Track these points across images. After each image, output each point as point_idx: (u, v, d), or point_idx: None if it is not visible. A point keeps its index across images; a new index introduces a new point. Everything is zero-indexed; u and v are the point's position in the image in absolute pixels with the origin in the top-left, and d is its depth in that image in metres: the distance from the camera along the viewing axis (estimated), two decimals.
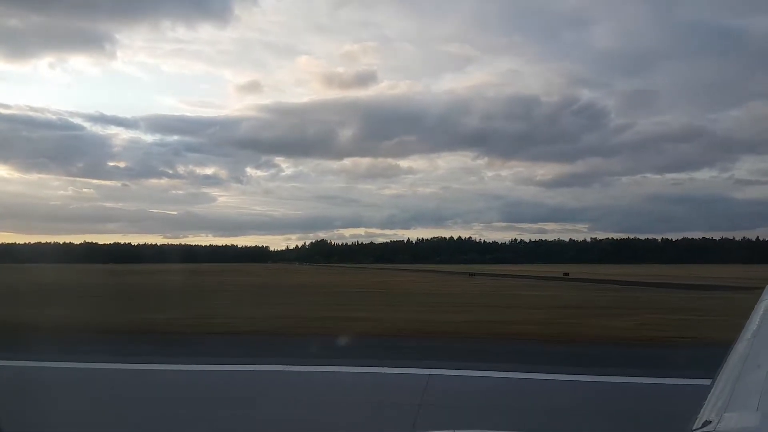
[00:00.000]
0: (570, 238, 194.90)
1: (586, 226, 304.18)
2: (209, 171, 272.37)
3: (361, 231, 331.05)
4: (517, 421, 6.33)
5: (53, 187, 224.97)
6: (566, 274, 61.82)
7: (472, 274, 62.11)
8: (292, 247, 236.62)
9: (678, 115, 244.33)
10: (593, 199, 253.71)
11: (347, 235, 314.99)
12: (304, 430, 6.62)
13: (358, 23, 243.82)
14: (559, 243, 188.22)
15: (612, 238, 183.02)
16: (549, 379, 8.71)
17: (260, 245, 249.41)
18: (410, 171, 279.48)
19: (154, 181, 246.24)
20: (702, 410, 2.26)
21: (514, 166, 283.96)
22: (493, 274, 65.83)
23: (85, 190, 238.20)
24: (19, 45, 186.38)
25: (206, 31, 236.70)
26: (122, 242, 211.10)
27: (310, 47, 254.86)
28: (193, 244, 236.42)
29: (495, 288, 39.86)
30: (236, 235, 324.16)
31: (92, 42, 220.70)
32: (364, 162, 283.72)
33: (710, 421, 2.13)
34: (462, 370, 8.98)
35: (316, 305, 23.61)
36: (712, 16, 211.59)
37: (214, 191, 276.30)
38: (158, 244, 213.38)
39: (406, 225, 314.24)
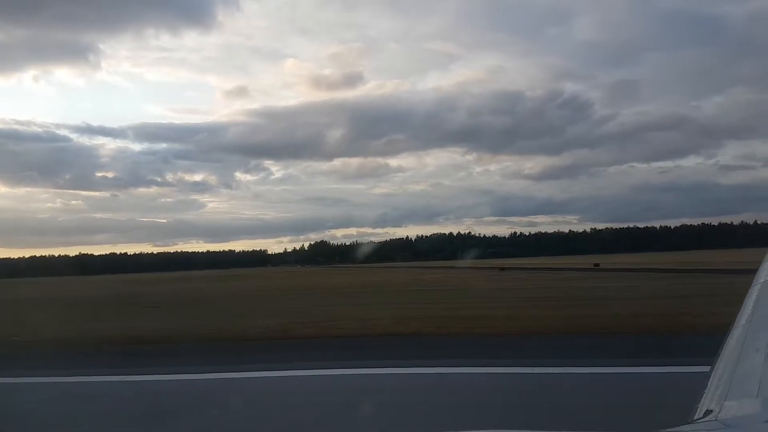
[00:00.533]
0: (570, 230, 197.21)
1: (576, 217, 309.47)
2: (198, 177, 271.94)
3: (353, 231, 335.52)
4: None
5: (41, 200, 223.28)
6: (596, 264, 62.17)
7: (502, 269, 62.14)
8: (289, 249, 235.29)
9: (661, 104, 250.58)
10: (582, 191, 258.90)
11: (339, 236, 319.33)
12: None
13: (342, 24, 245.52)
14: (558, 235, 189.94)
15: (613, 227, 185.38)
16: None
17: (257, 249, 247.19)
18: (400, 169, 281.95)
19: (143, 189, 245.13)
20: (702, 399, 2.24)
21: (502, 161, 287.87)
22: (523, 267, 65.95)
23: (73, 201, 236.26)
24: (3, 58, 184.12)
25: (190, 38, 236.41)
26: (118, 252, 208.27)
27: (294, 50, 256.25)
28: (190, 251, 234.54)
29: (552, 281, 39.91)
30: (227, 241, 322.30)
31: (76, 53, 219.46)
32: (354, 162, 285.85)
33: (711, 410, 2.12)
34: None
35: (414, 304, 23.35)
36: (692, 4, 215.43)
37: (203, 197, 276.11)
38: (154, 252, 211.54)
39: (397, 223, 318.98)
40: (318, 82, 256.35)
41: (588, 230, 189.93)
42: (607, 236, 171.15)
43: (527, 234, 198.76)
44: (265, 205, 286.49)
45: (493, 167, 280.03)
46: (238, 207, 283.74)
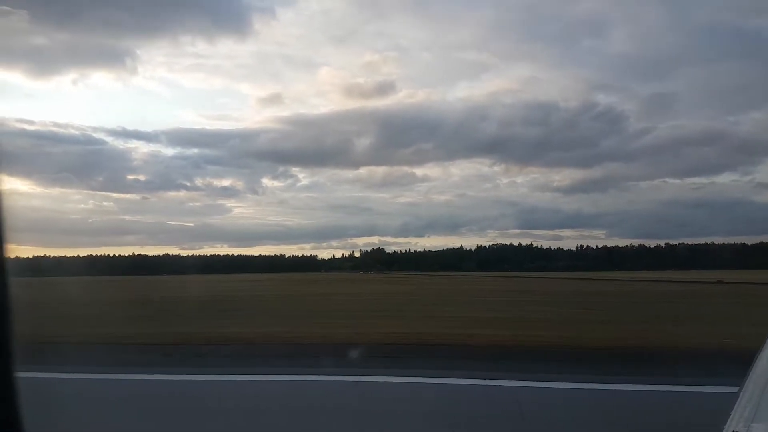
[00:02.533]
0: (640, 244, 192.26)
1: (603, 232, 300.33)
2: (226, 183, 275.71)
3: (375, 239, 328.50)
4: None
5: (74, 201, 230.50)
6: (720, 281, 60.64)
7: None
8: (338, 255, 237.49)
9: (698, 119, 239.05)
10: (610, 205, 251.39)
11: (360, 244, 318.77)
12: None
13: (374, 34, 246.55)
14: (632, 249, 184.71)
15: (679, 243, 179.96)
16: None
17: (306, 255, 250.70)
18: (426, 179, 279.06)
19: (172, 193, 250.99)
20: (729, 420, 2.23)
21: (531, 173, 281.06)
22: (655, 280, 64.01)
23: (105, 203, 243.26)
24: (44, 62, 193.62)
25: (225, 46, 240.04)
26: (150, 254, 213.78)
27: (327, 59, 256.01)
28: (233, 254, 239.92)
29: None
30: (251, 246, 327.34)
31: (114, 58, 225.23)
32: (380, 171, 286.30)
33: (738, 431, 2.11)
34: None
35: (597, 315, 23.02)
36: (731, 17, 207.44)
37: (230, 202, 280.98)
38: (191, 255, 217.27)
39: (420, 233, 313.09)
40: (350, 91, 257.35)
41: (663, 245, 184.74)
42: (667, 252, 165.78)
43: (594, 247, 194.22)
44: (289, 211, 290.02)
45: (520, 179, 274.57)
46: (263, 213, 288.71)
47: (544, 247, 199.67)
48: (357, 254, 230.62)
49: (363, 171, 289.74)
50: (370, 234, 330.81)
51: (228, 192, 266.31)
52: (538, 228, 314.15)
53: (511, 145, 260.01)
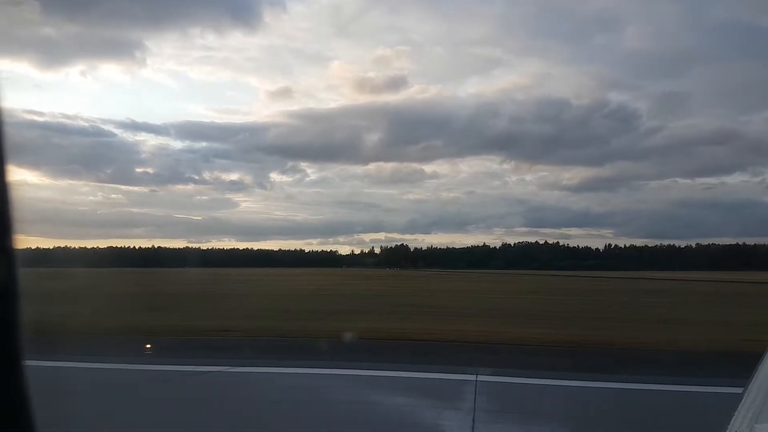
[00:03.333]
0: (673, 244, 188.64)
1: (611, 231, 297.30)
2: (234, 177, 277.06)
3: (381, 236, 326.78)
4: None
5: (83, 193, 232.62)
6: None
7: None
8: (357, 251, 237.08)
9: (710, 118, 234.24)
10: (619, 204, 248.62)
11: (367, 240, 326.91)
12: None
13: (385, 28, 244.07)
14: (662, 248, 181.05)
15: (710, 244, 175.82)
16: None
17: (326, 250, 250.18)
18: (434, 176, 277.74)
19: (180, 186, 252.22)
20: (732, 420, 2.32)
21: (540, 171, 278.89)
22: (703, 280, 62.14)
23: (113, 195, 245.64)
24: (53, 53, 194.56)
25: (235, 39, 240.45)
26: (168, 246, 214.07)
27: (336, 53, 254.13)
28: (257, 248, 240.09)
29: None
30: (257, 240, 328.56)
31: (123, 50, 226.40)
32: (389, 167, 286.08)
33: None
34: None
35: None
36: (746, 15, 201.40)
37: (237, 197, 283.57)
38: (205, 248, 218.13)
39: (426, 230, 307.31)
40: (361, 85, 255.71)
41: (694, 245, 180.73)
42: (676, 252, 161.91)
43: (622, 246, 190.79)
44: (296, 206, 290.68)
45: (529, 177, 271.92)
46: (270, 207, 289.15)
47: (571, 245, 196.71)
48: (377, 250, 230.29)
49: (372, 167, 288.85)
50: (377, 230, 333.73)
51: (236, 186, 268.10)
52: (546, 226, 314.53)
53: (521, 142, 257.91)
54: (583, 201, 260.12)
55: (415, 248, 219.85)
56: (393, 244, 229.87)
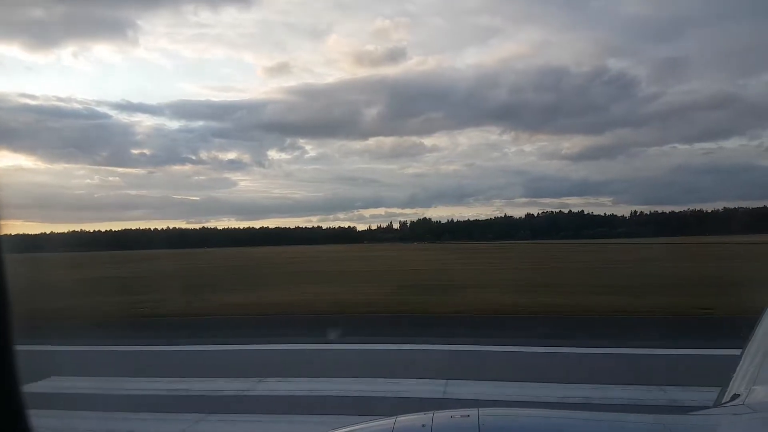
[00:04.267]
0: (688, 209, 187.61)
1: (610, 199, 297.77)
2: (232, 156, 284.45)
3: (381, 211, 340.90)
4: None
5: (79, 176, 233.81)
6: None
7: None
8: (378, 226, 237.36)
9: (708, 82, 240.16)
10: (619, 172, 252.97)
11: (367, 216, 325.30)
12: None
13: (380, 0, 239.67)
14: (681, 214, 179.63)
15: (737, 207, 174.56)
16: None
17: (344, 226, 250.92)
18: (434, 149, 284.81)
19: (177, 167, 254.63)
20: (731, 383, 2.36)
21: (540, 140, 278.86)
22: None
23: (110, 178, 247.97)
24: (43, 35, 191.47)
25: (228, 15, 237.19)
26: (181, 227, 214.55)
27: (332, 27, 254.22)
28: (273, 226, 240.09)
29: None
30: (257, 219, 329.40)
31: (114, 29, 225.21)
32: (389, 141, 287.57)
33: (739, 395, 2.21)
34: None
35: None
36: None
37: (235, 176, 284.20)
38: (226, 228, 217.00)
39: (427, 204, 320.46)
40: (360, 58, 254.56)
41: (708, 210, 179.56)
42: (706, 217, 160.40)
43: (648, 213, 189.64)
44: (295, 183, 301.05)
45: (529, 147, 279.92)
46: (269, 186, 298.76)
47: (594, 213, 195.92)
48: (395, 225, 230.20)
49: (371, 141, 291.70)
50: (377, 206, 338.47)
51: (234, 165, 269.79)
52: (545, 196, 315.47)
53: (521, 112, 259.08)
54: (583, 170, 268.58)
55: (438, 221, 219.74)
56: (415, 218, 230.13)
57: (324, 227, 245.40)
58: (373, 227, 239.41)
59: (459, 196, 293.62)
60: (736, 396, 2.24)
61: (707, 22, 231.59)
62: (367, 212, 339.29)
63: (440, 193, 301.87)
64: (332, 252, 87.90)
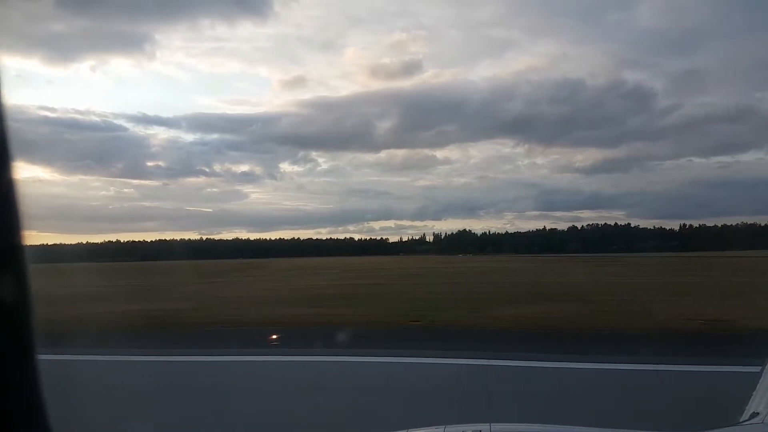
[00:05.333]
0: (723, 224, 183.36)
1: (623, 213, 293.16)
2: (245, 168, 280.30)
3: (391, 223, 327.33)
4: None
5: (94, 188, 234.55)
6: None
7: None
8: (405, 238, 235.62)
9: (725, 95, 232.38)
10: (631, 186, 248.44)
11: (377, 228, 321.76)
12: None
13: (396, 13, 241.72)
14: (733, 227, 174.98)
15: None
16: None
17: (375, 237, 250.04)
18: (446, 161, 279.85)
19: (191, 179, 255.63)
20: (750, 401, 2.29)
21: (553, 153, 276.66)
22: None
23: (125, 190, 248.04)
24: (62, 49, 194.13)
25: (245, 29, 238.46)
26: (193, 239, 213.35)
27: (347, 40, 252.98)
28: (306, 237, 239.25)
29: None
30: (267, 231, 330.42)
31: (132, 43, 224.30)
32: (400, 154, 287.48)
33: (758, 413, 2.15)
34: None
35: None
36: None
37: (247, 188, 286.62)
38: (237, 238, 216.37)
39: (437, 216, 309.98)
40: (376, 72, 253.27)
41: (718, 224, 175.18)
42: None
43: (698, 226, 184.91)
44: (305, 196, 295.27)
45: (541, 160, 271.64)
46: (280, 198, 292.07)
47: (642, 227, 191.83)
48: (428, 238, 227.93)
49: (383, 154, 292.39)
50: (387, 218, 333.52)
51: (247, 177, 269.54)
52: (557, 210, 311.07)
53: (536, 124, 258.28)
54: (595, 183, 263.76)
55: (482, 233, 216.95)
56: (454, 230, 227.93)
57: (356, 239, 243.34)
58: (404, 239, 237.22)
59: (469, 209, 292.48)
60: (755, 414, 2.17)
61: (725, 34, 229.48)
62: (377, 224, 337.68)
63: (450, 206, 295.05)
64: (400, 263, 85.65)
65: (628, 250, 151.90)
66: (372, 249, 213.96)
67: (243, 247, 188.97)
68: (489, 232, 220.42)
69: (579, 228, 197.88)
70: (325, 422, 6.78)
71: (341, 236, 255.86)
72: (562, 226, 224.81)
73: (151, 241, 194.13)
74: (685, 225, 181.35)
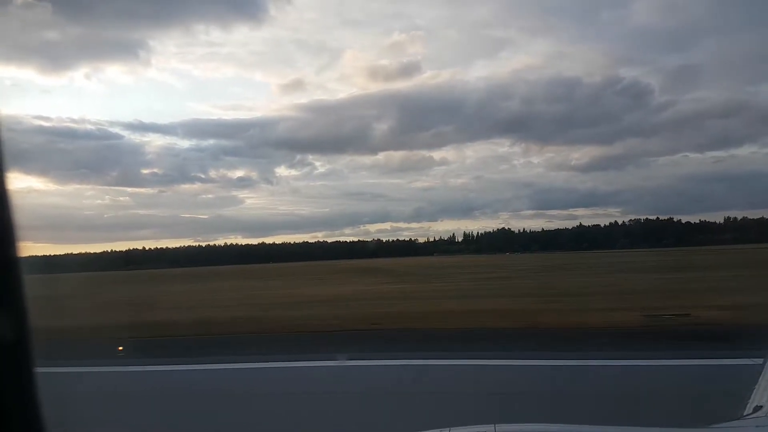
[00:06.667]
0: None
1: (618, 210, 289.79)
2: (240, 173, 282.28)
3: (387, 226, 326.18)
4: None
5: (89, 197, 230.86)
6: None
7: None
8: (437, 238, 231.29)
9: (719, 90, 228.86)
10: (627, 182, 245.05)
11: (373, 231, 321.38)
12: None
13: (391, 15, 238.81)
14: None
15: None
16: None
17: (402, 239, 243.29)
18: (443, 162, 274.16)
19: (187, 186, 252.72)
20: (753, 394, 2.34)
21: (549, 152, 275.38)
22: None
23: (120, 198, 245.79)
24: (57, 57, 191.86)
25: (240, 33, 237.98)
26: (188, 245, 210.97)
27: (343, 43, 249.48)
28: (334, 240, 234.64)
29: None
30: (263, 236, 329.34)
31: (127, 50, 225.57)
32: (397, 156, 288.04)
33: (761, 406, 2.19)
34: None
35: None
36: None
37: (243, 193, 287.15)
38: (236, 243, 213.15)
39: (433, 218, 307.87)
40: (374, 74, 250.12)
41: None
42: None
43: (739, 219, 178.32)
44: (301, 200, 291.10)
45: (537, 159, 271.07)
46: (275, 203, 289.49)
47: (692, 222, 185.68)
48: (458, 238, 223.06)
49: (381, 156, 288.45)
50: (383, 220, 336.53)
51: (242, 183, 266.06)
52: (552, 208, 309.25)
53: (533, 123, 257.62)
54: (590, 181, 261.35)
55: (521, 230, 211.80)
56: (492, 229, 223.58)
57: (383, 240, 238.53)
58: (432, 239, 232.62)
59: (465, 210, 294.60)
60: (758, 408, 2.16)
61: (718, 30, 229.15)
62: (374, 227, 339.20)
63: (447, 207, 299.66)
64: (478, 262, 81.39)
65: (684, 243, 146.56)
66: (398, 251, 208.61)
67: (241, 252, 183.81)
68: (524, 230, 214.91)
69: (619, 224, 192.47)
70: None
71: (366, 238, 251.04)
72: (586, 222, 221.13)
73: (148, 249, 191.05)
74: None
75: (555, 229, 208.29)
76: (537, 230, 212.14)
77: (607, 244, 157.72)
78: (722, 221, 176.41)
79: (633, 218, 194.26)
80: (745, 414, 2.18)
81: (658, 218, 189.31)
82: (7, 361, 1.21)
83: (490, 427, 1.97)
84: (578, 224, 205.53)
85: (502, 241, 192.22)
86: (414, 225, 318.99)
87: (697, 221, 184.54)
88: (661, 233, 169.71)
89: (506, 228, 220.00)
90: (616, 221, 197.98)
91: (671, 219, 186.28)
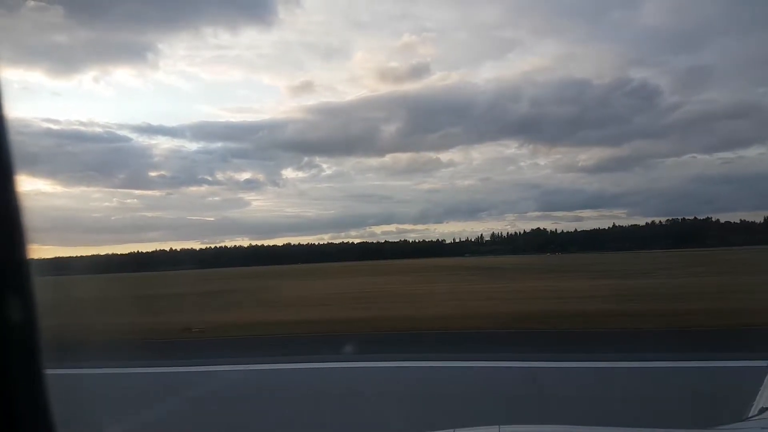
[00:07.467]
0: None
1: (624, 212, 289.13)
2: (247, 175, 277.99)
3: (392, 228, 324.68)
4: None
5: (97, 200, 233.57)
6: None
7: None
8: (465, 239, 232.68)
9: (728, 91, 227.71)
10: (634, 184, 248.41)
11: (379, 233, 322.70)
12: None
13: (400, 17, 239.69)
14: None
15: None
16: None
17: (431, 239, 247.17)
18: (451, 164, 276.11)
19: (194, 188, 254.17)
20: (758, 396, 2.31)
21: (558, 153, 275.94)
22: None
23: (128, 200, 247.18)
24: (66, 60, 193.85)
25: (249, 36, 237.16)
26: (195, 248, 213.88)
27: (351, 45, 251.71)
28: (369, 241, 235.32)
29: None
30: (269, 238, 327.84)
31: (135, 53, 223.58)
32: (405, 157, 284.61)
33: (767, 408, 2.15)
34: None
35: None
36: None
37: (249, 195, 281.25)
38: (244, 245, 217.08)
39: (439, 219, 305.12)
40: (383, 76, 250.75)
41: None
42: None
43: (722, 222, 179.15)
44: (306, 202, 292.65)
45: (544, 160, 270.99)
46: (281, 205, 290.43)
47: (722, 221, 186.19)
48: (486, 237, 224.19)
49: (388, 158, 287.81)
50: (389, 222, 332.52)
51: (249, 185, 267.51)
52: (559, 210, 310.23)
53: (541, 125, 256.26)
54: (597, 182, 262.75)
55: (555, 230, 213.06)
56: (523, 229, 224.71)
57: (410, 240, 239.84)
58: (458, 240, 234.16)
59: (471, 211, 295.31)
60: (764, 410, 2.13)
61: (728, 31, 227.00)
62: (379, 229, 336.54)
63: (453, 209, 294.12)
64: (545, 262, 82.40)
65: (724, 244, 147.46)
66: (424, 252, 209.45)
67: (249, 254, 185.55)
68: (558, 230, 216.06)
69: (656, 223, 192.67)
70: None
71: (385, 239, 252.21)
72: (591, 225, 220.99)
73: (155, 251, 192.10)
74: None
75: (591, 229, 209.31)
76: (570, 231, 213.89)
77: (644, 245, 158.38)
78: (761, 221, 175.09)
79: (670, 218, 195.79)
80: (750, 415, 2.15)
81: (695, 218, 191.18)
82: (17, 363, 1.20)
83: (495, 429, 1.93)
84: (612, 224, 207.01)
85: (533, 242, 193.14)
86: (419, 227, 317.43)
87: (737, 221, 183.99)
88: (698, 234, 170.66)
89: (541, 228, 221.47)
90: (647, 222, 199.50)
91: (709, 218, 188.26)
